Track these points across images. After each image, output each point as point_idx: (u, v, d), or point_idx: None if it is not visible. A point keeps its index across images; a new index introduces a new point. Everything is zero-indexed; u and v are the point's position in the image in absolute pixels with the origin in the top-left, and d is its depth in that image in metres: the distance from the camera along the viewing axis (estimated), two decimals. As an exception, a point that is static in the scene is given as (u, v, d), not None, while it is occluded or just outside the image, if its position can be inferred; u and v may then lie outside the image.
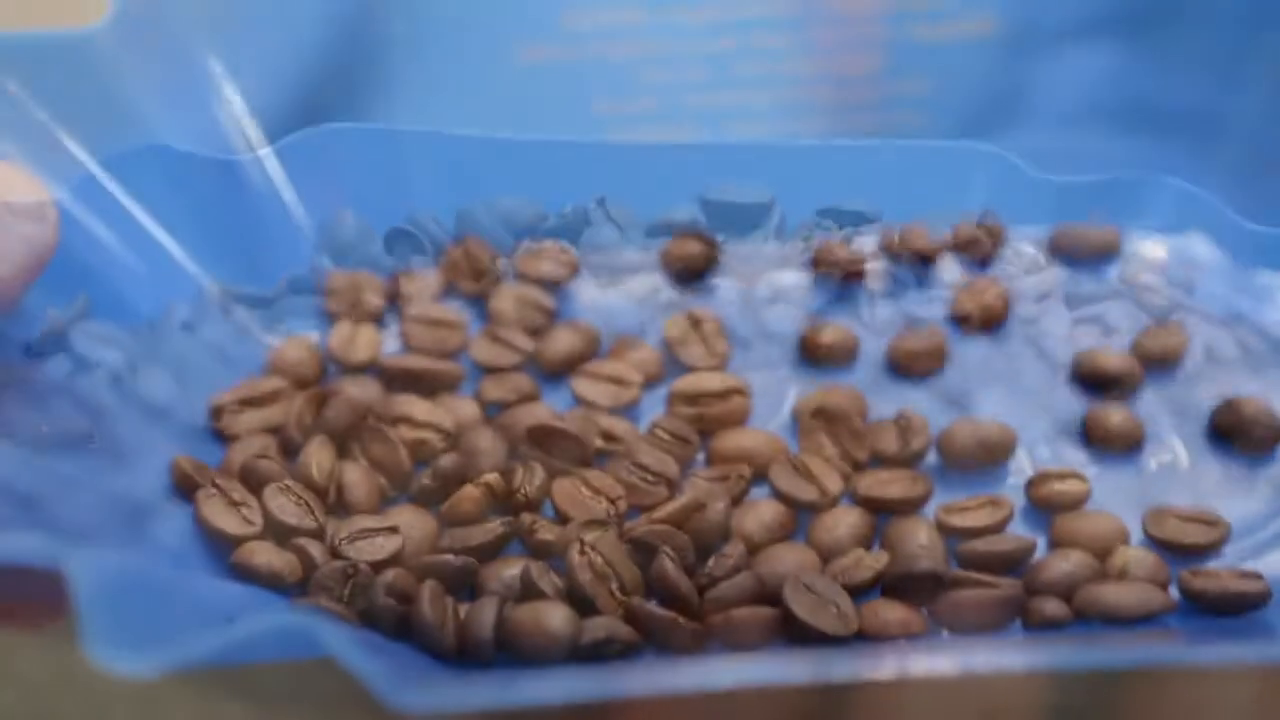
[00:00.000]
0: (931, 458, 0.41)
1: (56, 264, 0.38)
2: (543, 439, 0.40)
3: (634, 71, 0.47)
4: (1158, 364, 0.43)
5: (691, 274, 0.46)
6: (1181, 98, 0.47)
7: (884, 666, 0.30)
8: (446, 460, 0.39)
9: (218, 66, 0.44)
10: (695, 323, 0.44)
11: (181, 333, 0.42)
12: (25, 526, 0.33)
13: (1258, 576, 0.37)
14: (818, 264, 0.45)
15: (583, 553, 0.36)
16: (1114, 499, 0.40)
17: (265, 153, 0.45)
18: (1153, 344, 0.43)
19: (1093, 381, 0.42)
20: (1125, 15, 0.47)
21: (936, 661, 0.30)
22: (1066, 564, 0.37)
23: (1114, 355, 0.42)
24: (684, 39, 0.47)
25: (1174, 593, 0.37)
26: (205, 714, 0.35)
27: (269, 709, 0.36)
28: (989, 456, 0.40)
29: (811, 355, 0.43)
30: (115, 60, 0.42)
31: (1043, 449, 0.41)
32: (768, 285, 0.46)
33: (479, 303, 0.45)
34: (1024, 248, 0.46)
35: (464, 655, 0.35)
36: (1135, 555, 0.37)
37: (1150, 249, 0.46)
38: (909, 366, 0.43)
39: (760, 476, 0.40)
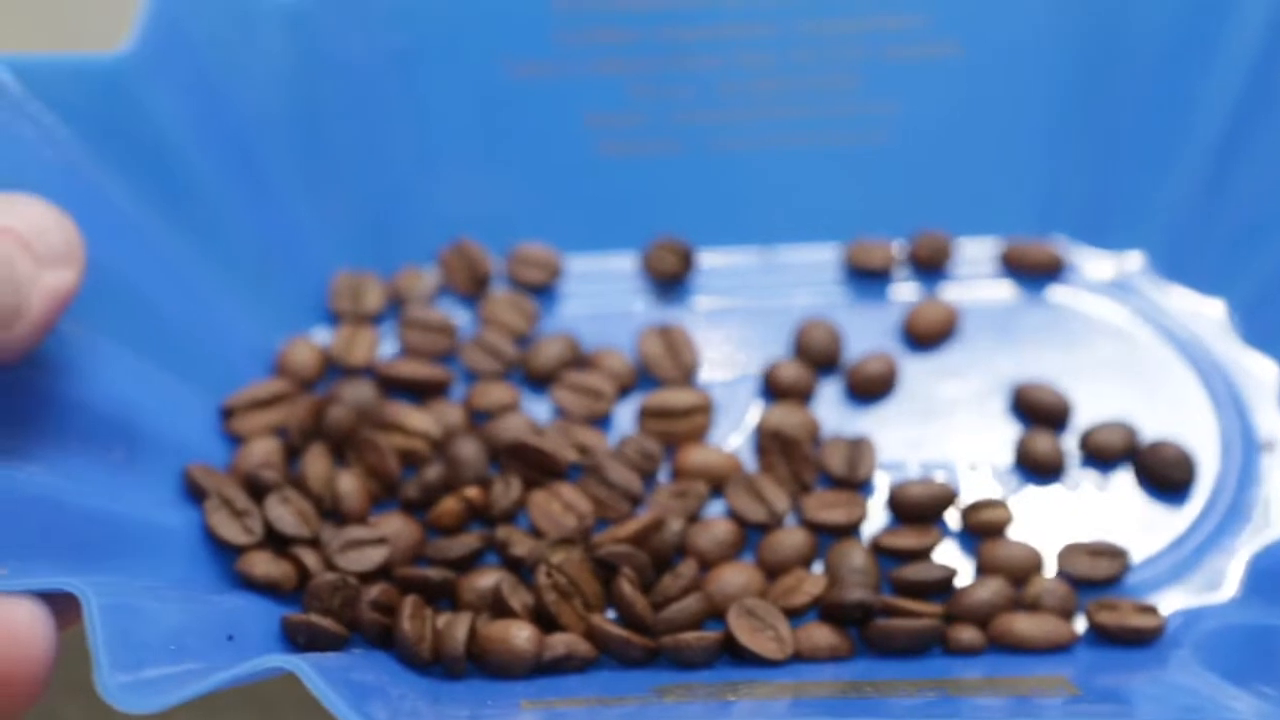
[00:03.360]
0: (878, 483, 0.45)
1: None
2: (521, 454, 0.44)
3: (621, 89, 0.50)
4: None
5: (669, 280, 0.50)
6: (1134, 128, 0.50)
7: None
8: (432, 472, 0.43)
9: (231, 84, 0.47)
10: (665, 336, 0.47)
11: (199, 337, 0.46)
12: (53, 544, 0.37)
13: (1154, 611, 0.41)
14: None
15: (549, 575, 0.40)
16: (1038, 521, 0.44)
17: (276, 167, 0.48)
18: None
19: (1029, 414, 0.46)
20: (1086, 48, 0.50)
21: None
22: (985, 592, 0.41)
23: (1049, 393, 0.46)
24: (670, 57, 0.50)
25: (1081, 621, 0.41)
26: (206, 714, 0.39)
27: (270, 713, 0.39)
28: (934, 510, 0.44)
29: (774, 390, 0.46)
30: (142, 85, 0.45)
31: (976, 467, 0.45)
32: (739, 291, 0.50)
33: (472, 301, 0.49)
34: (975, 261, 0.50)
35: (439, 666, 0.39)
36: (1048, 586, 0.41)
37: (1093, 266, 0.50)
38: (864, 390, 0.47)
39: (717, 489, 0.44)
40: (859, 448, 0.44)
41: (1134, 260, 0.50)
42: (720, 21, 0.50)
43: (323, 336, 0.48)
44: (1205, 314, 0.49)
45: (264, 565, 0.41)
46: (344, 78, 0.49)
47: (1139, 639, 0.40)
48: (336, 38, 0.49)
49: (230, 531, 0.41)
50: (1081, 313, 0.49)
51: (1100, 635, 0.41)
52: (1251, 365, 0.47)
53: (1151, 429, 0.46)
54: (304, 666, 0.33)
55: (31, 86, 0.43)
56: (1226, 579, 0.43)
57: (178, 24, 0.46)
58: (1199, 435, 0.46)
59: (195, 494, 0.42)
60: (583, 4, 0.50)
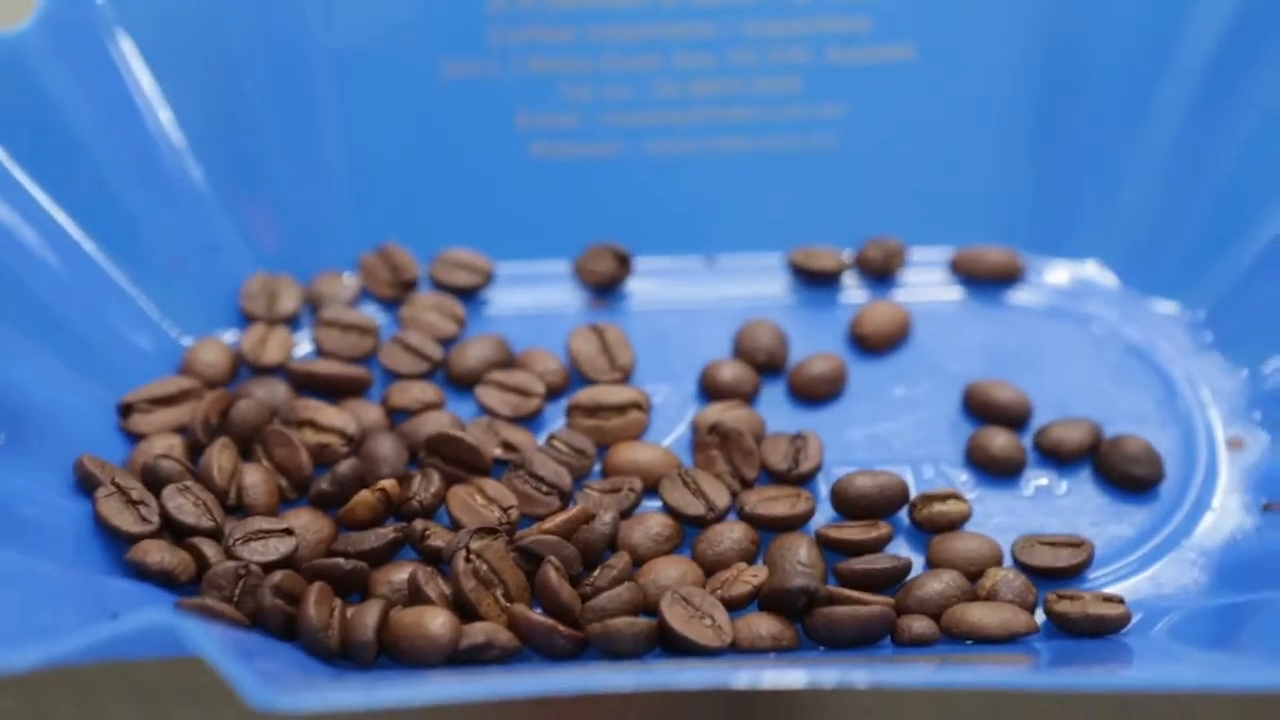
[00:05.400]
0: (823, 487, 0.42)
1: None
2: (442, 447, 0.41)
3: (555, 88, 0.48)
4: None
5: (604, 286, 0.47)
6: (1089, 135, 0.48)
7: (735, 678, 0.31)
8: (346, 466, 0.40)
9: (145, 75, 0.45)
10: (600, 334, 0.45)
11: (99, 332, 0.43)
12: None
13: (1119, 601, 0.38)
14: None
15: (468, 560, 0.37)
16: (992, 521, 0.41)
17: (190, 162, 0.46)
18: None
19: (984, 414, 0.43)
20: (1041, 54, 0.48)
21: (787, 675, 0.31)
22: (938, 584, 0.38)
23: (1004, 388, 0.43)
24: (605, 56, 0.48)
25: (1040, 614, 0.38)
26: (204, 715, 0.36)
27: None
28: (883, 504, 0.40)
29: (712, 393, 0.44)
30: (41, 63, 0.43)
31: (928, 469, 0.42)
32: (678, 299, 0.47)
33: (394, 307, 0.47)
34: (926, 267, 0.48)
35: (347, 656, 0.36)
36: (1005, 576, 0.38)
37: (1049, 274, 0.48)
38: (809, 391, 0.44)
39: (652, 489, 0.41)
40: (802, 441, 0.42)
41: (1091, 269, 0.48)
42: (657, 20, 0.48)
43: (235, 338, 0.45)
44: (1166, 319, 0.46)
45: (158, 553, 0.37)
46: (268, 73, 0.47)
47: (1103, 628, 0.37)
48: (262, 31, 0.46)
49: (123, 520, 0.38)
50: (1038, 319, 0.47)
51: (1061, 626, 0.38)
52: (1214, 369, 0.45)
53: (1112, 432, 0.43)
54: (187, 624, 0.30)
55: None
56: (1191, 575, 0.40)
57: (85, 3, 0.44)
58: (1162, 437, 0.43)
59: (87, 485, 0.39)
60: (518, 1, 0.48)
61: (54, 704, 0.37)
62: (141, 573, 0.37)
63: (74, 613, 0.33)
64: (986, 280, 0.47)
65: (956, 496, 0.40)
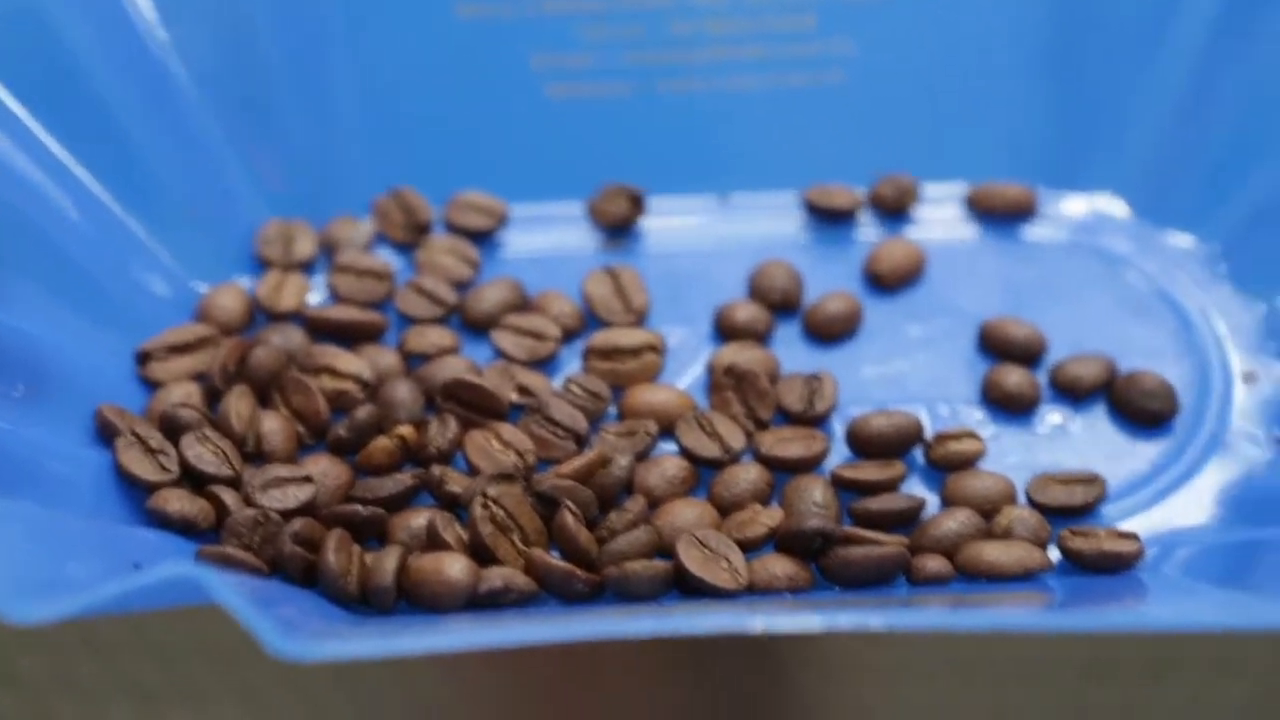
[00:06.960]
0: (838, 427, 0.42)
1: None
2: (458, 392, 0.41)
3: (570, 28, 0.48)
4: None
5: (618, 227, 0.47)
6: (1103, 66, 0.48)
7: (751, 623, 0.31)
8: (363, 412, 0.40)
9: (155, 18, 0.45)
10: (614, 277, 0.45)
11: (116, 280, 0.43)
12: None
13: (1133, 537, 0.38)
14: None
15: (485, 506, 0.37)
16: (1007, 459, 0.41)
17: (203, 106, 0.46)
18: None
19: (999, 352, 0.43)
20: None
21: (803, 619, 0.31)
22: (953, 522, 0.38)
23: (1019, 325, 0.43)
24: (618, -4, 0.48)
25: (1054, 552, 0.38)
26: (203, 714, 0.37)
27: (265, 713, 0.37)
28: (899, 443, 0.40)
29: (727, 333, 0.44)
30: (54, 10, 0.43)
31: (943, 408, 0.43)
32: (692, 239, 0.47)
33: (409, 251, 0.47)
34: (940, 204, 0.48)
35: (366, 602, 0.36)
36: (1019, 515, 0.39)
37: (1063, 207, 0.47)
38: (824, 331, 0.44)
39: (668, 432, 0.41)
40: (818, 382, 0.42)
41: (1107, 201, 0.48)
42: (670, -42, 0.48)
43: (251, 284, 0.45)
44: (1182, 252, 0.46)
45: (178, 501, 0.38)
46: (279, 13, 0.47)
47: (1117, 564, 0.38)
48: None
49: (143, 469, 0.38)
50: (1053, 254, 0.47)
51: (1075, 563, 0.38)
52: (1230, 302, 0.45)
53: (1127, 366, 0.43)
54: (209, 575, 0.30)
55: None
56: (1205, 509, 0.40)
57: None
58: (1177, 370, 0.43)
59: (106, 434, 0.40)
60: (530, -59, 0.48)
61: (54, 704, 0.38)
62: (162, 521, 0.38)
63: (99, 563, 0.33)
64: (1002, 216, 0.47)
65: (971, 435, 0.41)
